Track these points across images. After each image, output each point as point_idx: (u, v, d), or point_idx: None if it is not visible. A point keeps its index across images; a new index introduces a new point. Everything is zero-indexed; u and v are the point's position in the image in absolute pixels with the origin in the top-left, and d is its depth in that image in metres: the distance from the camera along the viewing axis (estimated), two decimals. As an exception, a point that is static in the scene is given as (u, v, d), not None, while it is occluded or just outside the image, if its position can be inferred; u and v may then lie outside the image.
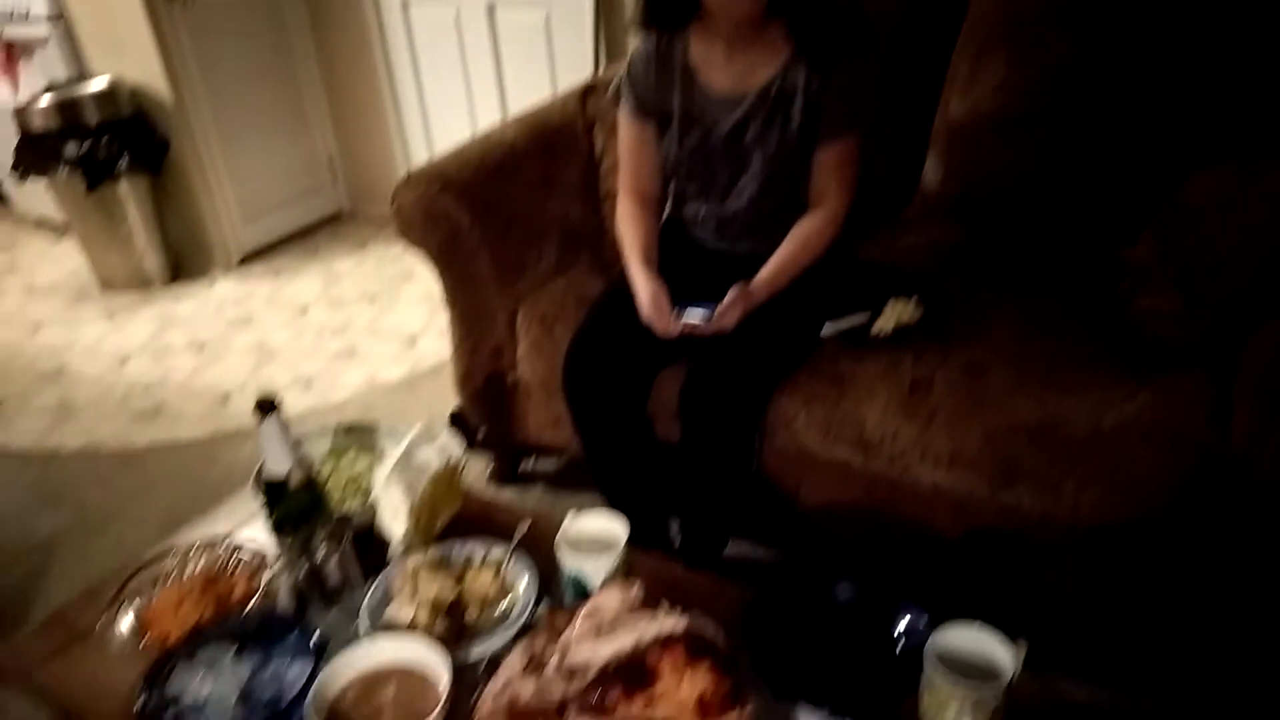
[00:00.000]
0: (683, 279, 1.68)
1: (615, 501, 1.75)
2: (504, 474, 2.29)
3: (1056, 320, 1.66)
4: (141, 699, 1.07)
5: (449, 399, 2.30)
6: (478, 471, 2.28)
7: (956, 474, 1.54)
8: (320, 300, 3.32)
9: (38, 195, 3.74)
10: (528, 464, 2.34)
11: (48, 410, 2.74)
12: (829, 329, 1.67)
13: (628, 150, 1.80)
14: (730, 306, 1.56)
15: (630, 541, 1.24)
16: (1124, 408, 1.43)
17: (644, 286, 1.64)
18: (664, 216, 1.86)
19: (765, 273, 1.63)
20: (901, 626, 1.18)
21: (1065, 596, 1.59)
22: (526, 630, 1.17)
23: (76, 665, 1.23)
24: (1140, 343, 1.57)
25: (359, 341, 3.03)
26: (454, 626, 1.21)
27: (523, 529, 1.36)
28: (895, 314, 1.65)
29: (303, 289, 3.41)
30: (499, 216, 1.94)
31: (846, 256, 1.79)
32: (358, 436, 1.55)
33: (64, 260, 3.74)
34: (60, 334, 3.19)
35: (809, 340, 1.69)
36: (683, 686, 0.97)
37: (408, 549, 1.33)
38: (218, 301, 3.36)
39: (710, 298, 1.59)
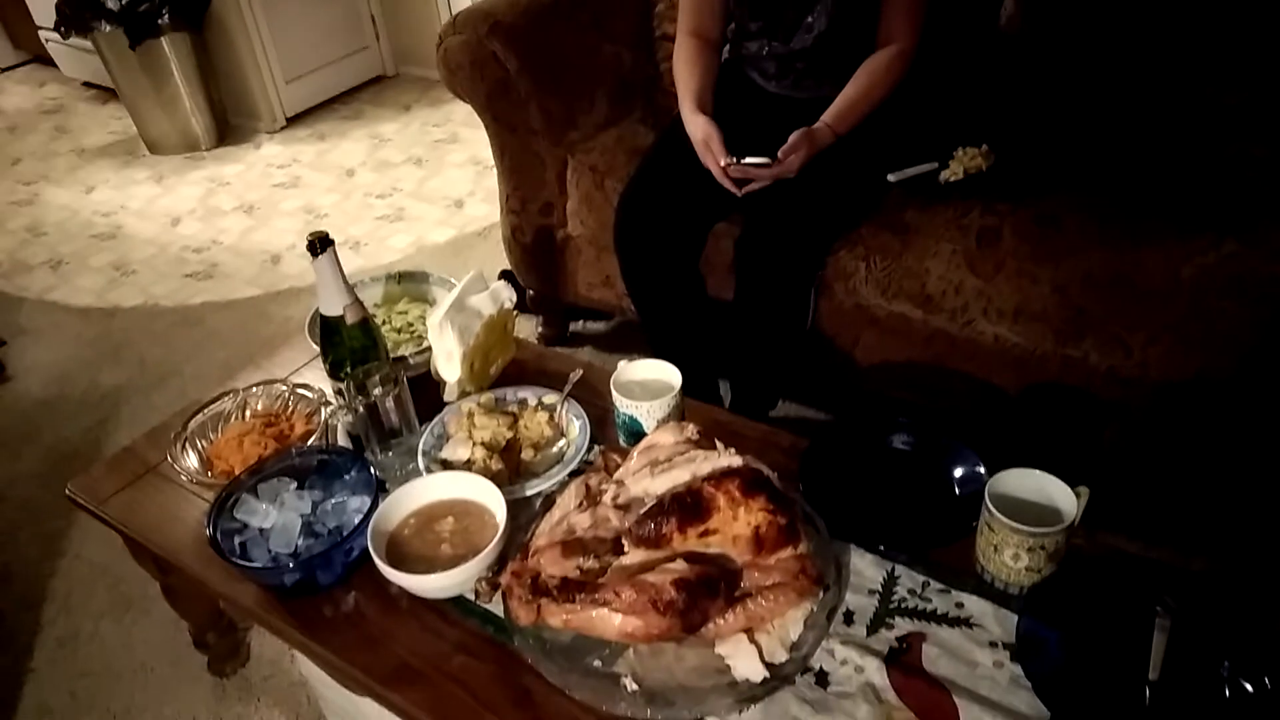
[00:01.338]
0: (741, 125, 1.61)
1: (666, 359, 1.74)
2: (553, 336, 2.29)
3: (1137, 169, 1.57)
4: (211, 526, 1.10)
5: (497, 261, 2.29)
6: (527, 333, 2.28)
7: (1021, 327, 1.49)
8: (366, 163, 3.28)
9: (84, 58, 3.71)
10: (577, 326, 2.34)
11: (105, 270, 2.78)
12: (895, 177, 1.60)
13: (689, -15, 1.69)
14: (793, 149, 1.49)
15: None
16: (1205, 258, 1.37)
17: (697, 127, 1.58)
18: (723, 59, 1.76)
19: (830, 114, 1.55)
20: (958, 473, 1.16)
21: (1125, 454, 1.56)
22: (580, 472, 1.18)
23: (145, 498, 1.28)
24: (1227, 192, 1.48)
25: (406, 204, 3.01)
26: (509, 466, 1.22)
27: (576, 376, 1.35)
28: (964, 162, 1.57)
29: (348, 152, 3.37)
30: (549, 62, 1.87)
31: (914, 101, 1.69)
32: (410, 285, 1.54)
33: (111, 123, 3.73)
34: (112, 196, 3.20)
35: (873, 190, 1.62)
36: (738, 520, 0.97)
37: (462, 393, 1.33)
38: (264, 164, 3.34)
39: (769, 148, 1.52)
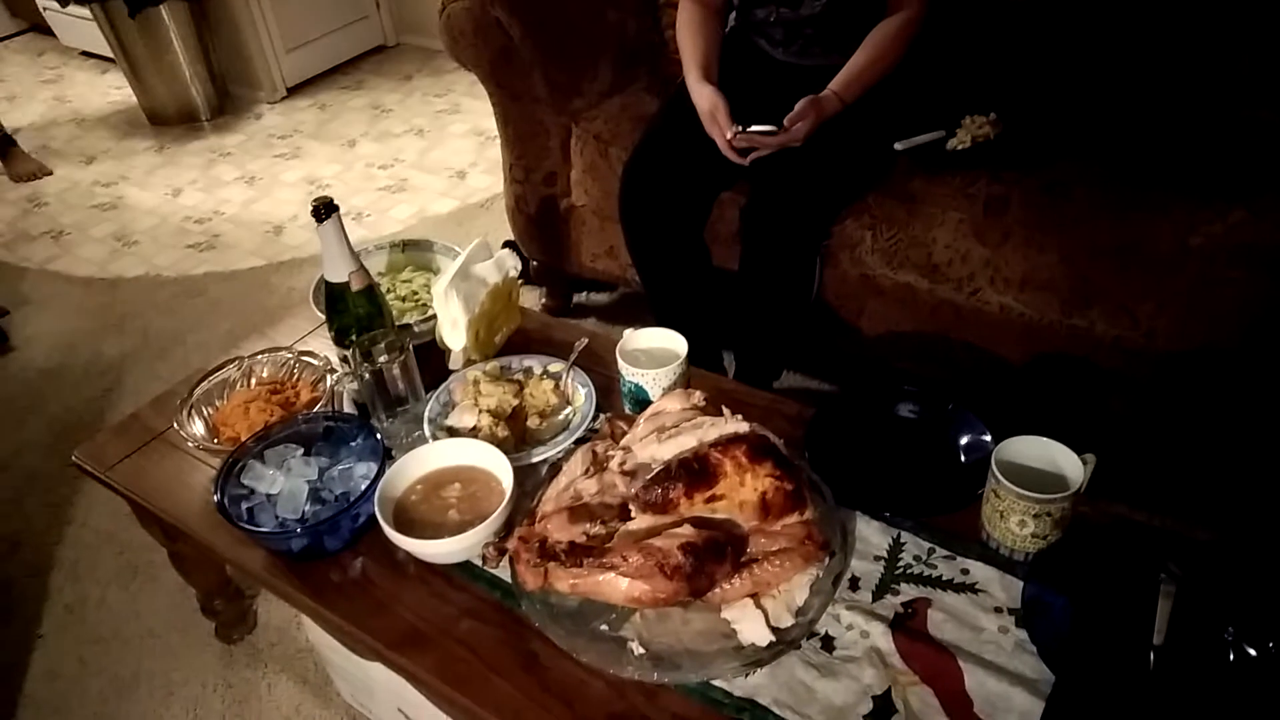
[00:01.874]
0: (747, 94, 1.59)
1: (671, 329, 1.73)
2: (557, 307, 2.28)
3: (1147, 137, 1.56)
4: (218, 491, 1.10)
5: (500, 232, 2.28)
6: (530, 305, 2.27)
7: (1028, 297, 1.49)
8: (367, 134, 3.26)
9: (82, 27, 3.68)
10: (580, 297, 2.33)
11: (106, 240, 2.77)
12: (902, 145, 1.59)
13: (692, -50, 1.67)
14: (799, 117, 1.47)
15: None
16: (1213, 227, 1.36)
17: (703, 97, 1.56)
18: (728, 27, 1.74)
19: (838, 81, 1.53)
20: (963, 441, 1.16)
21: (1131, 423, 1.56)
22: (586, 440, 1.18)
23: (151, 464, 1.28)
24: (1236, 161, 1.47)
25: (408, 175, 2.99)
26: (515, 434, 1.22)
27: (581, 345, 1.35)
28: (972, 130, 1.56)
29: (349, 122, 3.35)
30: (552, 29, 1.85)
31: (922, 68, 1.67)
32: (414, 254, 1.54)
33: (111, 94, 3.71)
34: (113, 166, 3.19)
35: (879, 159, 1.60)
36: (745, 486, 0.97)
37: (467, 361, 1.33)
38: (265, 134, 3.32)
39: (775, 116, 1.50)
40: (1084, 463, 1.01)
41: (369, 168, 3.05)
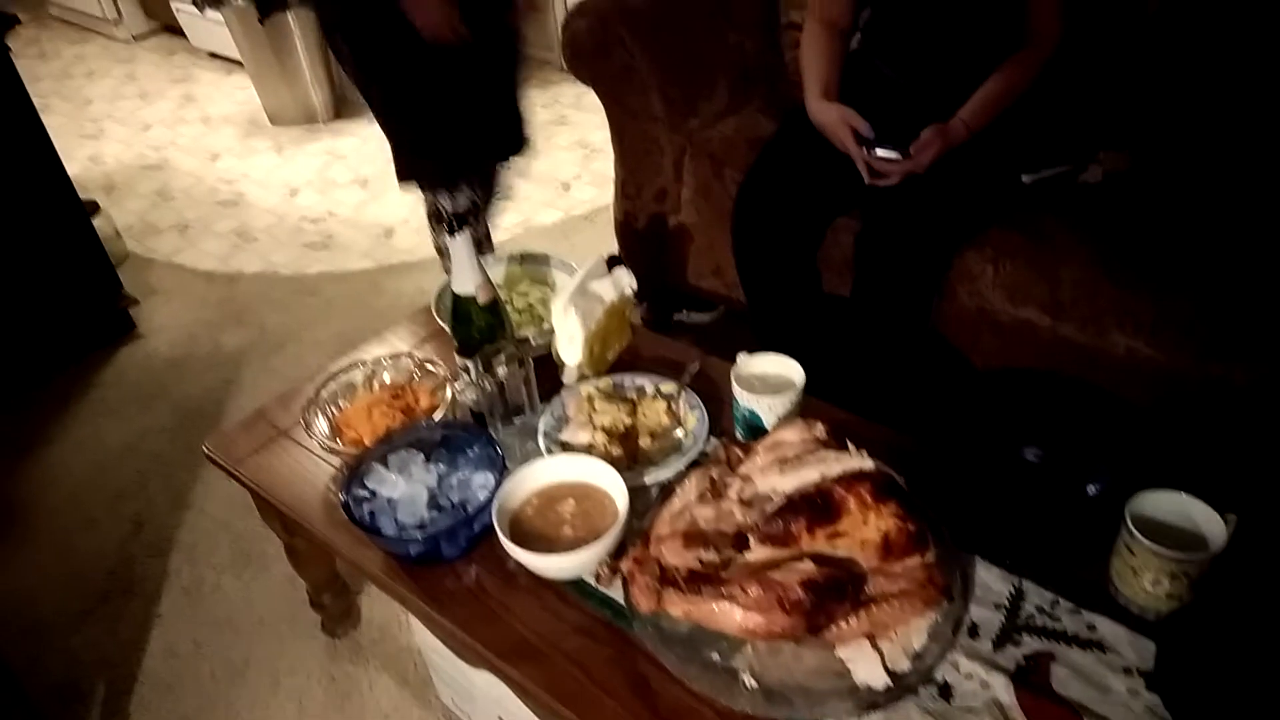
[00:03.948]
0: (867, 118, 1.57)
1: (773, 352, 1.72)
2: (657, 325, 2.29)
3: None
4: (343, 492, 1.13)
5: (603, 244, 2.29)
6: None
7: (1160, 342, 1.43)
8: (476, 142, 3.33)
9: (210, 30, 3.85)
10: (680, 315, 2.33)
11: (228, 235, 2.90)
12: (1030, 178, 1.55)
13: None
14: (925, 145, 1.45)
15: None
16: (1371, 277, 1.29)
17: (828, 111, 1.54)
18: (852, 48, 1.73)
19: (966, 109, 1.50)
20: (1091, 490, 1.12)
21: (1273, 481, 1.48)
22: (698, 463, 1.18)
23: (277, 460, 1.33)
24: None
25: (513, 184, 3.04)
26: (627, 452, 1.23)
27: (694, 368, 1.35)
28: (1105, 165, 1.50)
29: (459, 130, 3.42)
30: (673, 49, 1.86)
31: (1055, 98, 1.62)
32: (531, 267, 1.56)
33: (235, 93, 3.87)
34: (235, 165, 3.33)
35: (1005, 190, 1.57)
36: (868, 524, 0.95)
37: (580, 376, 1.34)
38: (378, 139, 3.39)
39: (894, 141, 1.48)
40: (1225, 522, 0.97)
41: (476, 175, 3.11)
